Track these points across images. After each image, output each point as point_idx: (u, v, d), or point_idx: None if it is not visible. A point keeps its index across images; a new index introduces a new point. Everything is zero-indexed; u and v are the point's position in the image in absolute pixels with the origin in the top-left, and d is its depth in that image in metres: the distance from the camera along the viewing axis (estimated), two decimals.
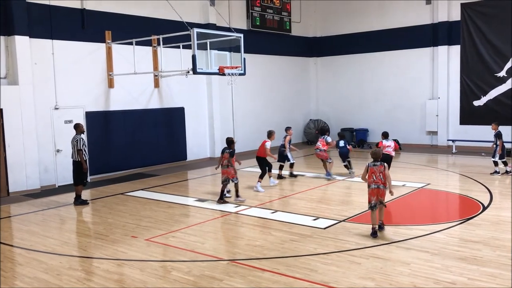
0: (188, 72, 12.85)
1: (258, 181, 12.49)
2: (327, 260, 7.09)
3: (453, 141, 19.09)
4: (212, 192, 12.48)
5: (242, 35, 13.74)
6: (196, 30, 12.42)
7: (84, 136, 11.79)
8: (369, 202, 8.27)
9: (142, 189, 13.18)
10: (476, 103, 19.07)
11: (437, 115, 19.94)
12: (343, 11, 22.57)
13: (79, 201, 11.49)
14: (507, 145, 15.00)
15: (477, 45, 18.83)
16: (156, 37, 15.01)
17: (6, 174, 12.75)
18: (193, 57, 12.29)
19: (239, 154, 11.41)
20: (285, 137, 13.96)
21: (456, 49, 19.42)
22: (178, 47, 14.27)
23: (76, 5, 14.36)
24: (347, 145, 14.25)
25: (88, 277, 6.80)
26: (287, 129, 14.32)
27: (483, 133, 17.71)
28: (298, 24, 22.60)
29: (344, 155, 14.05)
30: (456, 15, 19.27)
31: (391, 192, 8.28)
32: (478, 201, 10.61)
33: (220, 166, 11.23)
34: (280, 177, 13.92)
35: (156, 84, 16.63)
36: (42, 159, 13.50)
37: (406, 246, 7.64)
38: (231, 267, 6.98)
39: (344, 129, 22.11)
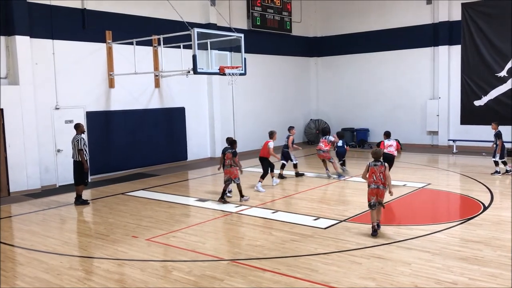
0: (189, 72, 12.86)
1: (259, 181, 12.49)
2: (328, 260, 7.09)
3: (453, 141, 19.09)
4: (212, 192, 12.48)
5: (242, 35, 13.74)
6: (196, 30, 12.42)
7: (84, 136, 11.79)
8: (369, 201, 8.33)
9: (142, 189, 13.18)
10: (477, 103, 19.06)
11: (438, 115, 19.93)
12: (344, 11, 22.57)
13: (79, 201, 11.49)
14: (507, 145, 14.99)
15: (477, 45, 18.82)
16: (156, 37, 15.02)
17: (6, 174, 12.76)
18: (194, 57, 12.29)
19: (240, 154, 11.41)
20: (288, 137, 13.96)
21: (456, 49, 19.41)
22: (179, 47, 14.28)
23: (77, 5, 14.36)
24: (345, 146, 14.51)
25: (88, 277, 6.80)
26: (290, 128, 14.31)
27: (484, 133, 17.70)
28: (298, 24, 22.60)
29: (341, 155, 14.27)
30: (456, 15, 19.26)
31: (390, 193, 8.31)
32: (479, 201, 10.60)
33: (222, 166, 11.24)
34: (281, 176, 13.93)
35: (157, 84, 16.63)
36: (42, 159, 13.50)
37: (407, 246, 7.64)
38: (232, 267, 6.98)
39: (344, 129, 22.12)
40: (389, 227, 8.70)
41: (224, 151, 11.87)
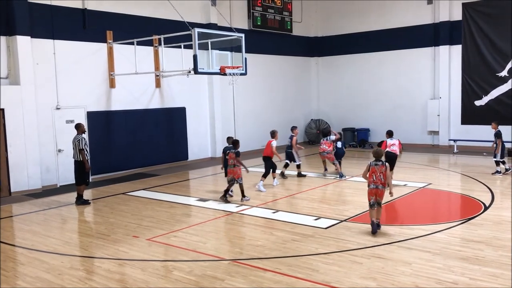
0: (190, 72, 12.86)
1: (261, 180, 12.51)
2: (329, 260, 7.09)
3: (454, 141, 19.08)
4: (213, 192, 12.49)
5: (243, 35, 13.74)
6: (197, 30, 12.42)
7: (85, 136, 11.80)
8: (369, 201, 8.44)
9: (143, 189, 13.18)
10: (478, 103, 19.06)
11: (439, 115, 19.92)
12: (344, 11, 22.57)
13: (80, 201, 11.50)
14: (507, 145, 14.98)
15: (478, 45, 18.82)
16: (157, 37, 15.02)
17: (8, 174, 12.77)
18: (194, 57, 12.29)
19: (241, 154, 11.41)
20: (292, 137, 13.96)
21: (457, 49, 19.40)
22: (180, 47, 14.29)
23: (78, 5, 14.37)
24: (344, 147, 14.70)
25: (89, 277, 6.81)
26: (293, 128, 14.32)
27: (485, 133, 17.68)
28: (299, 24, 22.60)
29: (339, 156, 14.31)
30: (457, 15, 19.25)
31: (390, 193, 8.35)
32: (480, 201, 10.60)
33: (223, 165, 11.26)
34: (282, 175, 13.95)
35: (158, 84, 16.64)
36: (43, 159, 13.51)
37: (408, 246, 7.64)
38: (233, 267, 6.98)
39: (345, 129, 22.16)
40: (390, 227, 8.71)
41: (225, 151, 11.90)
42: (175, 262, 7.26)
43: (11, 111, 12.72)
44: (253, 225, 9.30)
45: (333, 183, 13.30)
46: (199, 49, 12.39)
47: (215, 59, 13.13)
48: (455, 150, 18.71)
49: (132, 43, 14.38)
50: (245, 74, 13.65)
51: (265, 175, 12.68)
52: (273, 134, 13.29)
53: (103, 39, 14.88)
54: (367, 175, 8.43)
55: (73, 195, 11.86)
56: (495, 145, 13.75)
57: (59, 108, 13.93)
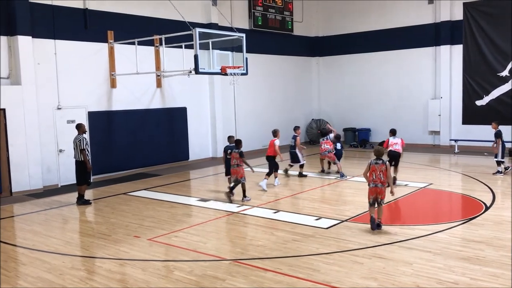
0: (190, 72, 12.86)
1: (265, 178, 12.56)
2: (330, 260, 7.09)
3: (455, 140, 19.06)
4: (214, 192, 12.50)
5: (244, 35, 13.74)
6: (198, 30, 12.42)
7: (86, 136, 11.81)
8: (368, 200, 8.56)
9: (144, 189, 13.19)
10: (479, 102, 19.04)
11: (440, 115, 19.91)
12: (345, 11, 22.56)
13: (81, 201, 11.51)
14: (508, 145, 14.95)
15: (479, 44, 18.80)
16: (158, 37, 15.03)
17: (9, 174, 12.78)
18: (195, 57, 12.29)
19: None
20: (295, 138, 13.99)
21: (458, 49, 19.39)
22: (180, 47, 14.29)
23: (79, 5, 14.38)
24: (342, 149, 14.84)
25: (90, 277, 6.82)
26: (296, 128, 14.35)
27: (486, 132, 17.64)
28: (300, 23, 22.60)
29: (338, 157, 14.35)
30: (458, 15, 19.24)
31: (391, 192, 8.39)
32: (481, 201, 10.59)
33: (225, 164, 11.31)
34: (286, 172, 14.02)
35: (158, 84, 16.65)
36: (44, 159, 13.52)
37: (409, 246, 7.64)
38: (234, 267, 6.98)
39: (346, 128, 22.16)
40: (391, 227, 8.70)
41: (226, 150, 11.95)
42: (176, 262, 7.26)
43: (12, 111, 12.73)
44: (254, 225, 9.30)
45: (334, 183, 13.29)
46: (200, 49, 12.39)
47: (216, 59, 13.14)
48: (456, 150, 18.69)
49: (133, 43, 14.38)
50: (246, 74, 13.65)
51: (269, 174, 12.75)
52: (275, 133, 13.33)
53: (104, 39, 14.89)
54: (367, 174, 8.48)
55: (74, 195, 11.87)
56: (495, 145, 13.74)
57: (60, 108, 13.94)
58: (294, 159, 14.02)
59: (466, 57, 19.22)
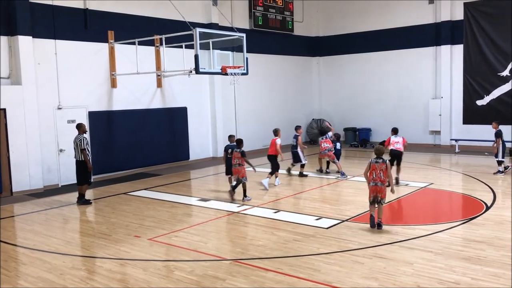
0: (191, 72, 12.86)
1: (268, 177, 12.59)
2: (330, 260, 7.09)
3: (456, 140, 19.05)
4: (215, 192, 12.50)
5: (244, 35, 13.74)
6: (198, 29, 12.42)
7: (86, 136, 11.81)
8: (369, 199, 8.66)
9: (145, 189, 13.19)
10: (479, 102, 19.04)
11: (440, 115, 19.91)
12: (346, 11, 22.55)
13: (82, 201, 11.51)
14: (508, 144, 14.94)
15: (480, 44, 18.79)
16: (158, 37, 15.02)
17: (9, 173, 12.78)
18: (196, 57, 12.29)
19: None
20: (297, 137, 14.02)
21: (459, 49, 19.39)
22: (181, 47, 14.30)
23: (79, 5, 14.38)
24: (341, 149, 14.89)
25: (91, 277, 6.81)
26: (297, 128, 14.37)
27: (486, 132, 17.64)
28: (300, 23, 22.59)
29: (337, 157, 14.36)
30: (459, 15, 19.24)
31: (392, 191, 8.43)
32: (482, 200, 10.58)
33: (225, 163, 11.34)
34: (289, 172, 14.06)
35: (159, 84, 16.65)
36: (45, 159, 13.52)
37: (409, 246, 7.63)
38: (234, 266, 6.98)
39: (346, 128, 22.15)
40: (392, 226, 8.70)
41: (226, 149, 11.96)
42: (177, 262, 7.26)
43: (12, 111, 12.73)
44: (254, 225, 9.30)
45: (334, 183, 13.29)
46: (200, 49, 12.39)
47: (216, 59, 13.14)
48: (457, 150, 18.68)
49: (133, 43, 14.38)
50: (246, 74, 13.65)
51: (272, 172, 12.80)
52: (276, 132, 13.36)
53: (104, 39, 14.89)
54: (368, 173, 8.54)
55: (75, 195, 11.87)
56: (495, 144, 13.74)
57: (60, 108, 13.94)
58: (296, 158, 14.03)
59: (466, 57, 19.21)
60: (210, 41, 13.11)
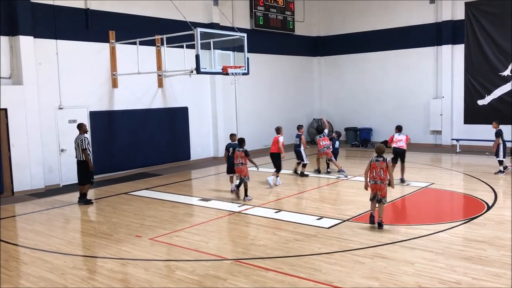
0: (192, 71, 12.86)
1: (273, 175, 12.73)
2: (331, 260, 7.09)
3: (457, 140, 19.04)
4: (215, 191, 12.50)
5: (245, 35, 13.72)
6: (199, 29, 12.41)
7: (87, 136, 11.82)
8: (370, 196, 8.75)
9: (146, 189, 13.20)
10: (480, 102, 19.02)
11: (441, 114, 19.89)
12: (347, 11, 22.54)
13: (83, 201, 11.52)
14: (508, 144, 14.92)
15: (481, 44, 18.78)
16: (159, 37, 15.02)
17: (10, 173, 12.79)
18: (197, 57, 12.29)
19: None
20: (300, 137, 14.11)
21: (460, 48, 19.38)
22: (182, 46, 14.30)
23: (80, 5, 14.40)
24: (339, 148, 14.99)
25: (92, 277, 6.82)
26: (300, 127, 14.42)
27: (487, 132, 17.58)
28: (301, 23, 22.59)
29: (334, 155, 14.41)
30: (460, 14, 19.22)
31: (391, 185, 8.51)
32: (483, 200, 10.58)
33: (227, 162, 11.36)
34: (295, 172, 14.28)
35: (160, 84, 16.66)
36: (46, 158, 13.54)
37: (410, 245, 7.63)
38: (235, 266, 6.98)
39: (347, 128, 22.15)
40: (393, 226, 8.70)
41: (228, 148, 11.97)
42: (178, 262, 7.26)
43: (13, 111, 12.75)
44: (255, 225, 9.30)
45: (335, 182, 13.29)
46: (201, 49, 12.39)
47: (217, 58, 13.15)
48: (458, 150, 18.67)
49: (134, 43, 14.39)
50: (247, 73, 13.65)
51: (278, 171, 12.85)
52: (279, 130, 13.40)
53: (105, 39, 14.90)
54: (368, 172, 8.64)
55: (76, 195, 11.88)
56: (497, 144, 13.73)
57: (61, 108, 13.95)
58: (299, 157, 14.09)
59: (467, 57, 19.20)
60: (211, 41, 13.11)
